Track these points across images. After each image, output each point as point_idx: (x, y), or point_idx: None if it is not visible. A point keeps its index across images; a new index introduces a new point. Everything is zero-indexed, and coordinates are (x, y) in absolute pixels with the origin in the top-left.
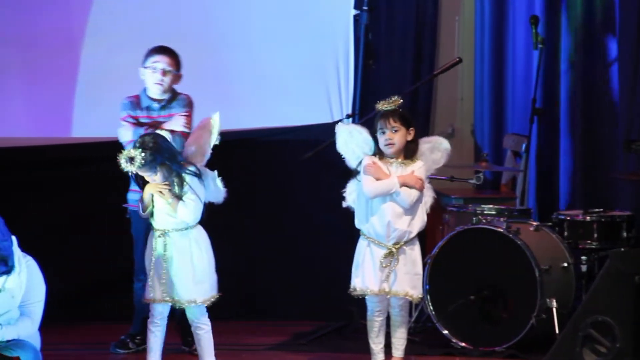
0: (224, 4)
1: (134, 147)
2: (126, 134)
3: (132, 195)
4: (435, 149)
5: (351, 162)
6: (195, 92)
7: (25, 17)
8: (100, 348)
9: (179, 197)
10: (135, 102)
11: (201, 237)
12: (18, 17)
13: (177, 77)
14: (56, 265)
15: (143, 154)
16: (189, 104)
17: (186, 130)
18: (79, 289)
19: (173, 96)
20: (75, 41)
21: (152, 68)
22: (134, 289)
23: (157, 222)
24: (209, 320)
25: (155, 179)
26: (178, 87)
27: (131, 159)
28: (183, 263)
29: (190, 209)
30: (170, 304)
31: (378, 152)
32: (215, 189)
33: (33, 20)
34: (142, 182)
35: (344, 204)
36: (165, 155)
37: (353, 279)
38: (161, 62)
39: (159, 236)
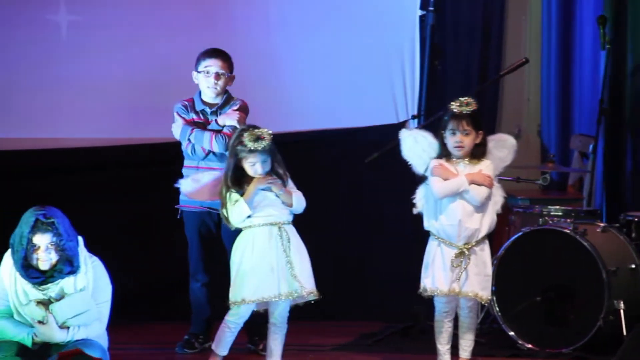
0: (288, 4)
1: (254, 128)
2: (176, 130)
3: (184, 196)
4: (501, 146)
5: (418, 168)
6: (261, 94)
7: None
8: (164, 347)
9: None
10: (190, 106)
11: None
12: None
13: (230, 79)
14: (121, 266)
15: (270, 136)
16: (242, 108)
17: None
18: (144, 289)
19: (227, 100)
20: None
21: (205, 72)
22: (190, 289)
23: (265, 217)
24: None
25: (257, 169)
26: (247, 90)
27: (258, 138)
28: (301, 252)
29: (302, 199)
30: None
31: (444, 154)
32: (298, 200)
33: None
34: (232, 180)
35: (415, 211)
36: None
37: (423, 279)
38: (214, 65)
39: (278, 229)
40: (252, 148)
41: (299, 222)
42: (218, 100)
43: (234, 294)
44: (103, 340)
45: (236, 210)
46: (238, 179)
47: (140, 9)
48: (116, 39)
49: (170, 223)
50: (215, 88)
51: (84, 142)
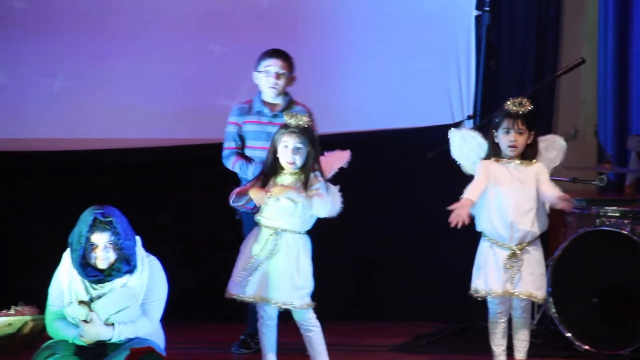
0: (343, 5)
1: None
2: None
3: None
4: (551, 147)
5: (466, 168)
6: (317, 94)
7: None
8: (220, 347)
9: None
10: (247, 108)
11: (308, 244)
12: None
13: (290, 80)
14: (179, 265)
15: (309, 122)
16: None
17: None
18: (201, 289)
19: (289, 104)
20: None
21: (265, 72)
22: None
23: (271, 220)
24: (317, 321)
25: (287, 154)
26: (305, 90)
27: (297, 118)
28: (288, 265)
29: (327, 204)
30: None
31: (493, 154)
32: (333, 202)
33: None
34: (268, 167)
35: None
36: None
37: (474, 280)
38: (274, 65)
39: (271, 234)
40: (288, 123)
41: (357, 219)
42: (279, 101)
43: (234, 288)
44: (159, 340)
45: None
46: (274, 169)
47: (202, 8)
48: (168, 41)
49: (229, 223)
50: (276, 88)
51: (142, 142)
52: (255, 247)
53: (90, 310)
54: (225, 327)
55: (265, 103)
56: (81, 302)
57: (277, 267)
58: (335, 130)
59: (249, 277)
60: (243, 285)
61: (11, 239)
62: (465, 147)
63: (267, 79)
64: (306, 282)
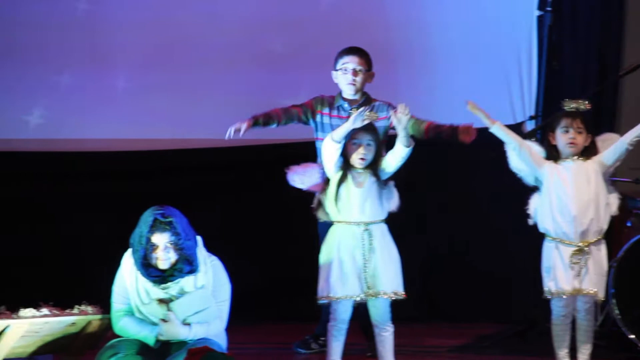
0: (406, 4)
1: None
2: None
3: None
4: (607, 145)
5: (527, 179)
6: (379, 94)
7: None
8: (283, 348)
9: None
10: (327, 100)
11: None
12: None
13: (369, 76)
14: (240, 265)
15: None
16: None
17: None
18: (263, 289)
19: (366, 101)
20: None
21: (343, 70)
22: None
23: (351, 216)
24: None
25: (359, 150)
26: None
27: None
28: (386, 255)
29: (396, 198)
30: (352, 307)
31: (552, 156)
32: (391, 197)
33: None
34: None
35: (530, 222)
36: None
37: (546, 282)
38: (351, 62)
39: (365, 230)
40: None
41: (417, 219)
42: (358, 97)
43: (321, 290)
44: (222, 340)
45: (325, 148)
46: (347, 164)
47: (290, 11)
48: (233, 43)
49: (294, 223)
50: (354, 85)
51: (211, 142)
52: (347, 246)
53: (168, 309)
54: (293, 327)
55: (345, 99)
56: (160, 301)
57: (379, 260)
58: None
59: (349, 277)
60: (342, 286)
61: (74, 239)
62: (524, 158)
63: (345, 77)
64: (400, 270)
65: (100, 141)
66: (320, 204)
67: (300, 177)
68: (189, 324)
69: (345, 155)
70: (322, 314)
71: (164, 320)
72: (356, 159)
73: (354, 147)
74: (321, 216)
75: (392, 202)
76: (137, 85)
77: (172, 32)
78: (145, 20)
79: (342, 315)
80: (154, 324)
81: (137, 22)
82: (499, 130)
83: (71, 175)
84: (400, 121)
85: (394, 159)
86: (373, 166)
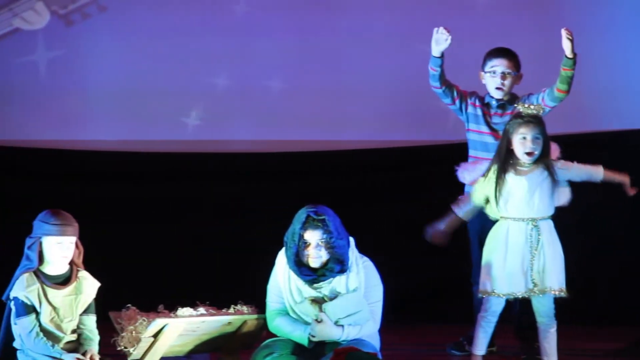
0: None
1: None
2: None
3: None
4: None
5: None
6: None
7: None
8: (437, 349)
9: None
10: (477, 95)
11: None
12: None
13: (517, 78)
14: (393, 266)
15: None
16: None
17: None
18: (417, 290)
19: (512, 98)
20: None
21: (491, 72)
22: (472, 291)
23: (518, 211)
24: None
25: (526, 145)
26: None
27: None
28: (553, 250)
29: (566, 194)
30: (506, 301)
31: None
32: (562, 191)
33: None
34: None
35: None
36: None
37: None
38: (500, 65)
39: (534, 226)
40: (525, 113)
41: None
42: (505, 98)
43: (484, 284)
44: (375, 341)
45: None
46: (508, 161)
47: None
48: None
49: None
50: (502, 88)
51: (363, 144)
52: (514, 242)
53: (321, 310)
54: (447, 328)
55: (492, 97)
56: (313, 301)
57: (545, 255)
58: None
59: (515, 273)
60: (507, 282)
61: (233, 238)
62: None
63: (493, 80)
64: (563, 267)
65: (256, 142)
66: (485, 200)
67: (470, 173)
68: (341, 325)
69: (512, 150)
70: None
71: (317, 321)
72: (523, 154)
73: (522, 142)
74: (488, 213)
75: (563, 196)
76: (292, 86)
77: (326, 33)
78: (300, 21)
79: (495, 307)
80: (307, 323)
81: (289, 23)
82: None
83: (225, 175)
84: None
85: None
86: (544, 160)
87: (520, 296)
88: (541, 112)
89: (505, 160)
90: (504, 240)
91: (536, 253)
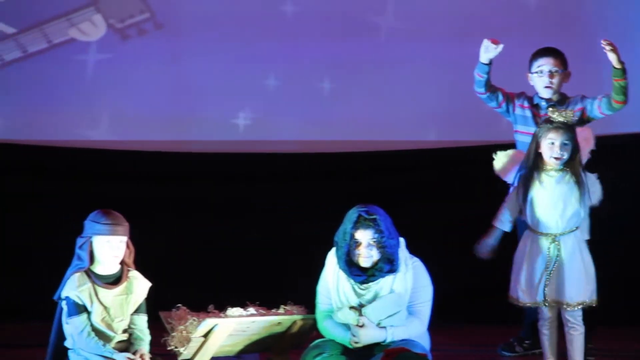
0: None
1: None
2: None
3: None
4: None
5: None
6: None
7: None
8: (487, 350)
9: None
10: (526, 96)
11: (584, 239)
12: None
13: (565, 76)
14: (444, 266)
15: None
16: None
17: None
18: (467, 290)
19: (563, 98)
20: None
21: (538, 72)
22: None
23: (543, 226)
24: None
25: (554, 150)
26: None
27: (564, 113)
28: (576, 263)
29: (599, 191)
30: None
31: None
32: (593, 191)
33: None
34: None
35: None
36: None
37: None
38: (546, 64)
39: (553, 242)
40: (553, 118)
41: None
42: (555, 99)
43: (512, 292)
44: (425, 341)
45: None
46: (536, 165)
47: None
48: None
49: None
50: (551, 87)
51: (413, 144)
52: (536, 253)
53: (361, 314)
54: (496, 329)
55: (541, 98)
56: (352, 308)
57: (566, 268)
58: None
59: (539, 283)
60: (533, 292)
61: (275, 238)
62: None
63: (541, 79)
64: (592, 277)
65: (304, 143)
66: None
67: (501, 158)
68: (384, 327)
69: (539, 155)
70: (525, 316)
71: (358, 326)
72: (550, 158)
73: (550, 146)
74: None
75: (595, 196)
76: (341, 86)
77: (377, 34)
78: (350, 21)
79: (543, 314)
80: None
81: (337, 24)
82: None
83: (272, 176)
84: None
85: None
86: (572, 165)
87: (543, 306)
88: (571, 119)
89: (533, 164)
90: (526, 250)
91: (554, 268)
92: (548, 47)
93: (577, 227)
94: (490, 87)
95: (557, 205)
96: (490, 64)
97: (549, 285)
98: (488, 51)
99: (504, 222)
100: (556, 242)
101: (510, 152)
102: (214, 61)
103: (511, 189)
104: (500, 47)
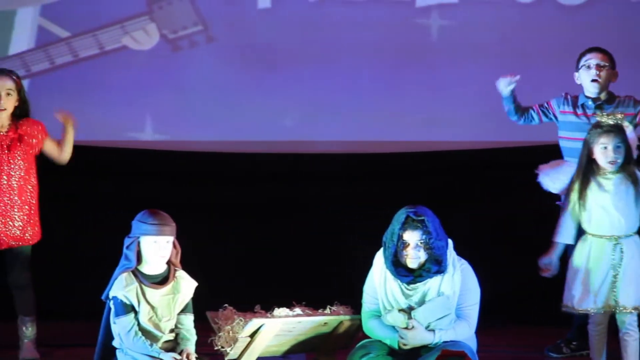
0: None
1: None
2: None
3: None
4: None
5: None
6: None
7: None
8: (534, 351)
9: None
10: (571, 99)
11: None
12: None
13: (613, 74)
14: (492, 268)
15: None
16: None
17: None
18: (515, 292)
19: (610, 98)
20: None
21: (585, 66)
22: None
23: (599, 229)
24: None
25: (608, 154)
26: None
27: (614, 116)
28: (635, 267)
29: None
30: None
31: None
32: None
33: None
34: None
35: None
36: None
37: None
38: (594, 58)
39: (616, 244)
40: (603, 123)
41: None
42: (602, 97)
43: (564, 297)
44: (472, 343)
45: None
46: (591, 170)
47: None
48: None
49: (547, 226)
50: (598, 80)
51: (455, 145)
52: (595, 258)
53: (410, 317)
54: (544, 330)
55: (588, 97)
56: (401, 310)
57: (626, 271)
58: None
59: (600, 288)
60: (592, 298)
61: (323, 238)
62: None
63: (588, 72)
64: None
65: (348, 143)
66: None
67: (552, 179)
68: (432, 330)
69: (593, 161)
70: (574, 318)
71: (407, 328)
72: (606, 163)
73: (603, 151)
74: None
75: None
76: (383, 83)
77: (421, 33)
78: (395, 18)
79: (594, 319)
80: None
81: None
82: None
83: (319, 176)
84: None
85: None
86: (626, 168)
87: (597, 313)
88: (621, 121)
89: (586, 170)
90: (586, 257)
91: (618, 271)
92: (596, 46)
93: (635, 233)
94: (522, 112)
95: (618, 205)
96: (512, 93)
97: (611, 290)
98: (506, 86)
99: (567, 235)
100: (620, 244)
101: (552, 163)
102: (258, 78)
103: (562, 199)
104: (517, 77)
